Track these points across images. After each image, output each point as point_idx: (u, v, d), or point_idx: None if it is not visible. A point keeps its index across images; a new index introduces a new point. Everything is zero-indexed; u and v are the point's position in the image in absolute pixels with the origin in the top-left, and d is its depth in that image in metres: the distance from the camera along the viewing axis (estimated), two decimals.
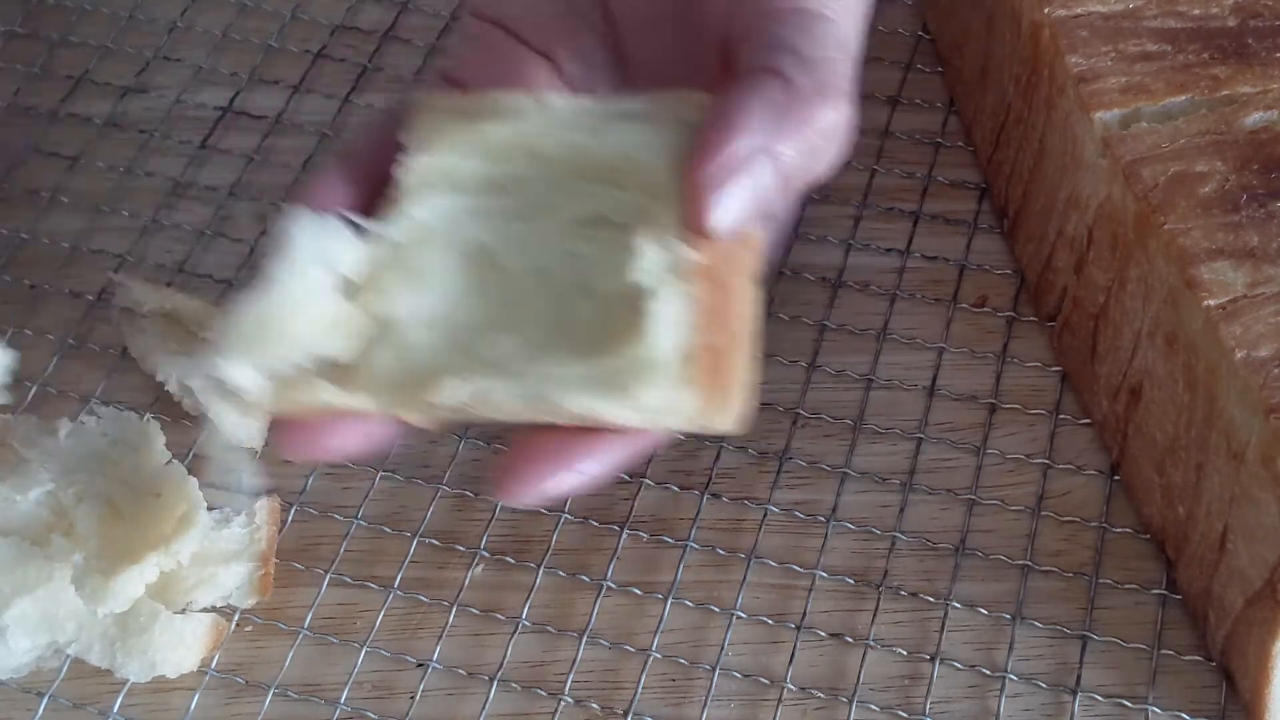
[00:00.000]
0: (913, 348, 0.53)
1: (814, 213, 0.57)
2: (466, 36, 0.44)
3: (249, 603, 0.47)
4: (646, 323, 0.34)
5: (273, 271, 0.35)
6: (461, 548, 0.48)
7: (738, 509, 0.49)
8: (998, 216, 0.56)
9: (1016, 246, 0.55)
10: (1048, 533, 0.48)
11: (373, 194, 0.39)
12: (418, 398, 0.35)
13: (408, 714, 0.45)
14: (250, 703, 0.45)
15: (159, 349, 0.52)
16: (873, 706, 0.45)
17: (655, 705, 0.45)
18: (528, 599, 0.47)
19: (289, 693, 0.45)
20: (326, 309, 0.35)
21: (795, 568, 0.47)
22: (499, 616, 0.47)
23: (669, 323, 0.35)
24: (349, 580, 0.48)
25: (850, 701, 0.45)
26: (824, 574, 0.47)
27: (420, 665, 0.46)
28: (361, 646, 0.46)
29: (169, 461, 0.46)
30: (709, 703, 0.45)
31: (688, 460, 0.50)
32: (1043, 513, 0.48)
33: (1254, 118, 0.46)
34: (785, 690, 0.45)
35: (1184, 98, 0.47)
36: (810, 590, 0.47)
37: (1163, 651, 0.45)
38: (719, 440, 0.50)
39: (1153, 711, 0.44)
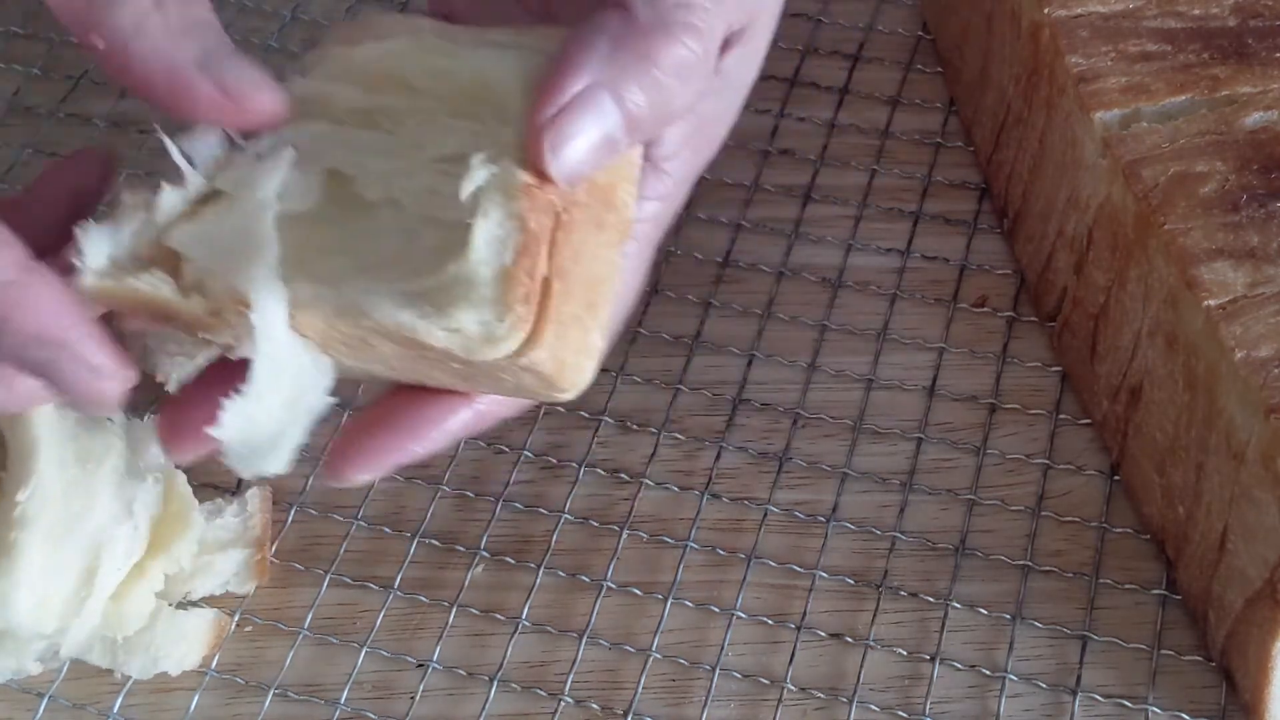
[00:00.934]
0: (913, 348, 0.53)
1: (814, 213, 0.57)
2: None
3: (247, 588, 0.47)
4: (468, 237, 0.34)
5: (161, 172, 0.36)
6: (462, 548, 0.48)
7: (738, 509, 0.49)
8: (998, 216, 0.56)
9: (1016, 246, 0.55)
10: (1048, 533, 0.48)
11: None
12: (233, 299, 0.34)
13: (408, 714, 0.45)
14: (250, 703, 0.45)
15: (159, 349, 0.52)
16: (873, 706, 0.45)
17: (655, 705, 0.45)
18: (528, 599, 0.47)
19: (289, 693, 0.45)
20: (180, 205, 0.36)
21: (795, 568, 0.47)
22: (499, 617, 0.47)
23: (487, 240, 0.34)
24: (349, 580, 0.48)
25: (850, 701, 0.45)
26: (824, 574, 0.47)
27: (420, 665, 0.46)
28: (362, 647, 0.46)
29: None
30: (709, 703, 0.45)
31: (688, 460, 0.50)
32: (1043, 513, 0.48)
33: (1254, 118, 0.46)
34: (785, 690, 0.45)
35: (1184, 98, 0.47)
36: (810, 590, 0.47)
37: (1163, 651, 0.45)
38: (719, 440, 0.50)
39: (1153, 711, 0.44)
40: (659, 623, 0.46)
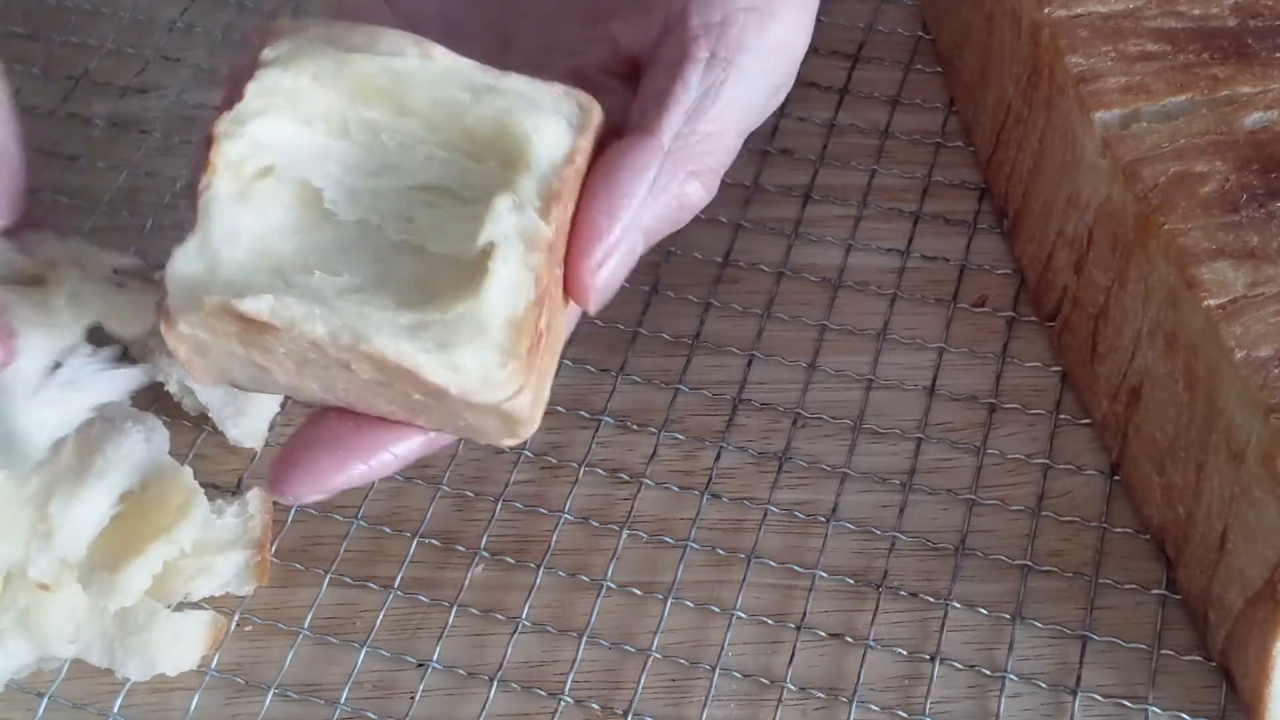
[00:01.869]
0: (913, 348, 0.53)
1: (814, 213, 0.57)
2: None
3: (247, 589, 0.47)
4: (486, 280, 0.34)
5: None
6: (461, 548, 0.48)
7: (738, 509, 0.49)
8: (998, 216, 0.56)
9: (1016, 246, 0.55)
10: (1048, 533, 0.48)
11: None
12: (222, 307, 0.33)
13: (408, 714, 0.45)
14: (250, 703, 0.45)
15: (159, 349, 0.52)
16: (873, 706, 0.45)
17: (655, 705, 0.45)
18: (528, 599, 0.47)
19: (289, 693, 0.45)
20: None
21: (795, 568, 0.47)
22: (499, 617, 0.47)
23: (507, 287, 0.34)
24: (349, 580, 0.48)
25: (850, 701, 0.45)
26: (824, 574, 0.47)
27: (420, 665, 0.46)
28: (361, 646, 0.46)
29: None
30: (709, 703, 0.45)
31: (688, 460, 0.50)
32: (1043, 513, 0.48)
33: (1254, 118, 0.46)
34: (785, 690, 0.45)
35: (1184, 98, 0.47)
36: (810, 590, 0.47)
37: (1163, 651, 0.45)
38: (719, 440, 0.50)
39: (1153, 711, 0.44)
40: (659, 623, 0.46)
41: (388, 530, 0.49)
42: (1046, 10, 0.49)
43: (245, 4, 0.66)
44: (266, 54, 0.37)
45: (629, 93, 0.41)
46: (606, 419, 0.51)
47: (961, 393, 0.52)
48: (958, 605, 0.47)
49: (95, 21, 0.66)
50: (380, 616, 0.47)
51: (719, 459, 0.50)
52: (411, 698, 0.45)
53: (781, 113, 0.60)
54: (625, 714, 0.45)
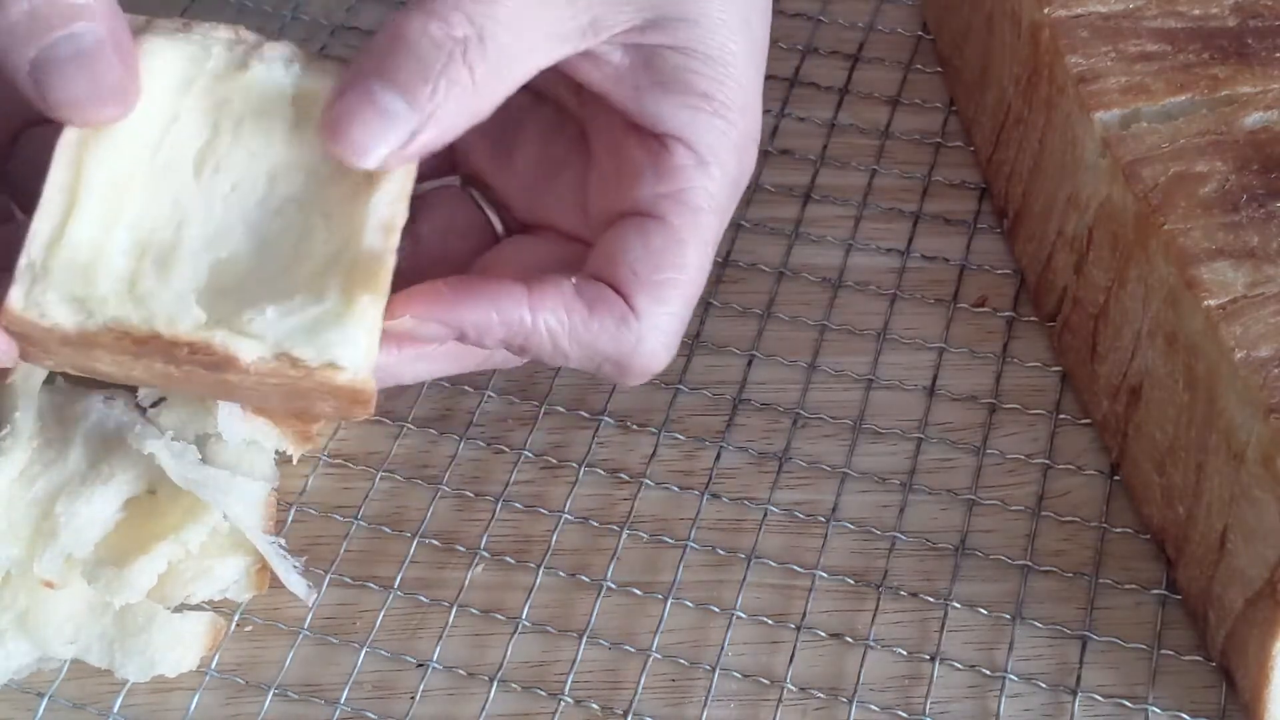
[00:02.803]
0: (913, 348, 0.53)
1: (814, 213, 0.57)
2: None
3: (246, 596, 0.47)
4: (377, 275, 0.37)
5: None
6: (462, 548, 0.48)
7: (738, 509, 0.49)
8: (998, 216, 0.56)
9: (1016, 246, 0.55)
10: (1048, 533, 0.48)
11: None
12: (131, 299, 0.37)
13: (408, 714, 0.45)
14: (250, 703, 0.45)
15: None
16: (873, 706, 0.45)
17: (655, 705, 0.45)
18: (528, 599, 0.47)
19: (289, 693, 0.45)
20: None
21: (795, 568, 0.47)
22: (499, 617, 0.47)
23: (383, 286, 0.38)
24: (349, 580, 0.48)
25: (850, 701, 0.45)
26: (824, 574, 0.47)
27: (420, 665, 0.46)
28: (362, 647, 0.46)
29: None
30: (709, 703, 0.45)
31: (688, 460, 0.50)
32: (1043, 513, 0.48)
33: (1254, 118, 0.46)
34: (785, 690, 0.45)
35: (1184, 98, 0.47)
36: (810, 590, 0.47)
37: (1163, 651, 0.45)
38: (719, 440, 0.50)
39: (1153, 711, 0.44)
40: (659, 623, 0.46)
41: (388, 530, 0.49)
42: (1046, 10, 0.49)
43: (245, 4, 0.66)
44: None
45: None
46: (606, 419, 0.51)
47: (961, 393, 0.52)
48: (958, 605, 0.47)
49: None
50: (380, 616, 0.47)
51: (719, 459, 0.50)
52: (412, 698, 0.45)
53: (781, 113, 0.60)
54: (625, 714, 0.45)
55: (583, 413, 0.51)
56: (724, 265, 0.55)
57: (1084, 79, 0.47)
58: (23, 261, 0.36)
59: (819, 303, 0.54)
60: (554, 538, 0.48)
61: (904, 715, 0.44)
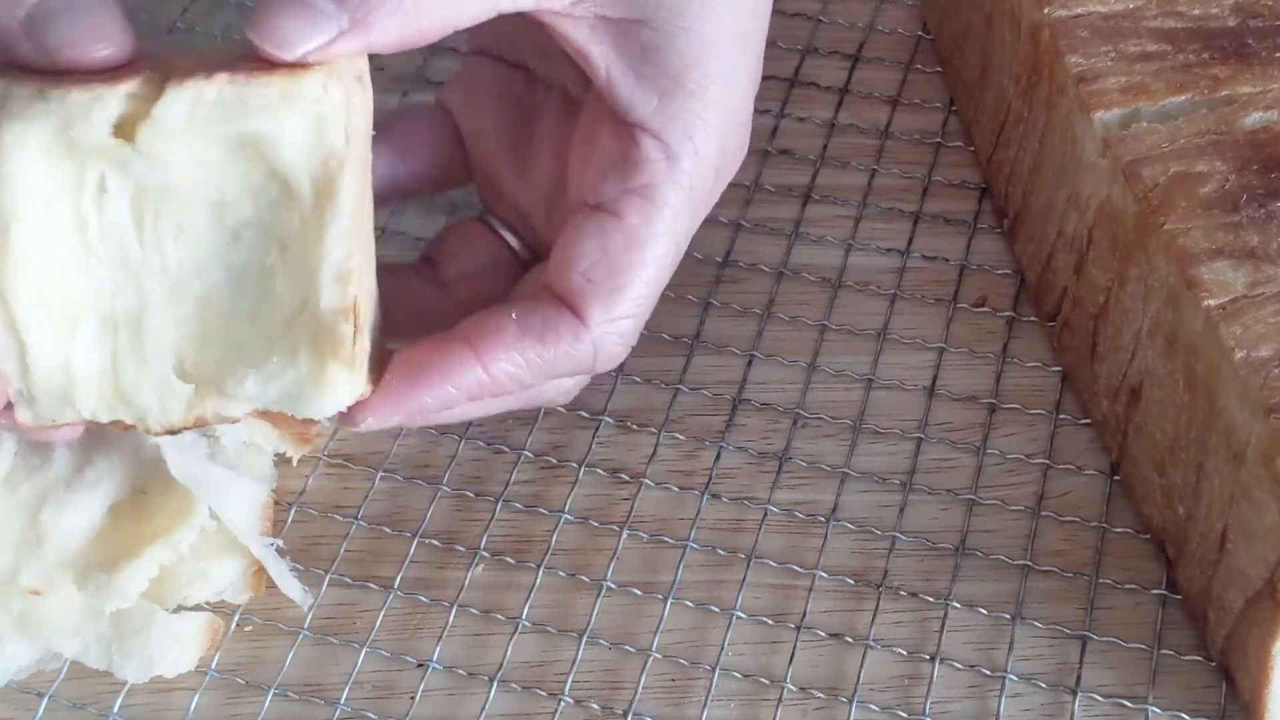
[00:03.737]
0: (913, 348, 0.53)
1: (814, 213, 0.57)
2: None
3: (243, 598, 0.47)
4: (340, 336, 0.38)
5: None
6: (462, 548, 0.48)
7: (738, 509, 0.49)
8: (998, 216, 0.56)
9: (1016, 246, 0.55)
10: (1048, 533, 0.48)
11: None
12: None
13: (408, 714, 0.45)
14: (250, 703, 0.45)
15: None
16: (873, 706, 0.45)
17: (655, 705, 0.45)
18: (528, 599, 0.47)
19: (289, 693, 0.45)
20: None
21: (795, 568, 0.47)
22: (499, 617, 0.47)
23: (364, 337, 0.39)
24: (349, 580, 0.48)
25: (850, 701, 0.45)
26: (824, 574, 0.47)
27: (420, 665, 0.46)
28: (362, 647, 0.46)
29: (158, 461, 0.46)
30: (709, 703, 0.45)
31: (688, 460, 0.50)
32: (1043, 513, 0.48)
33: (1254, 118, 0.46)
34: (785, 690, 0.45)
35: (1184, 98, 0.47)
36: (810, 590, 0.47)
37: (1163, 651, 0.45)
38: (719, 440, 0.50)
39: (1153, 711, 0.44)
40: (659, 623, 0.46)
41: (388, 530, 0.49)
42: (1046, 10, 0.49)
43: (245, 4, 0.66)
44: None
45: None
46: (606, 419, 0.51)
47: (961, 393, 0.52)
48: (958, 605, 0.47)
49: None
50: (380, 616, 0.47)
51: (719, 459, 0.50)
52: (412, 698, 0.45)
53: (781, 113, 0.60)
54: (625, 714, 0.45)
55: (583, 413, 0.51)
56: (724, 265, 0.55)
57: (1084, 79, 0.47)
58: (11, 389, 0.38)
59: (819, 303, 0.54)
60: (554, 538, 0.48)
61: (904, 715, 0.44)
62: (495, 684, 0.45)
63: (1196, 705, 0.44)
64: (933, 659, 0.45)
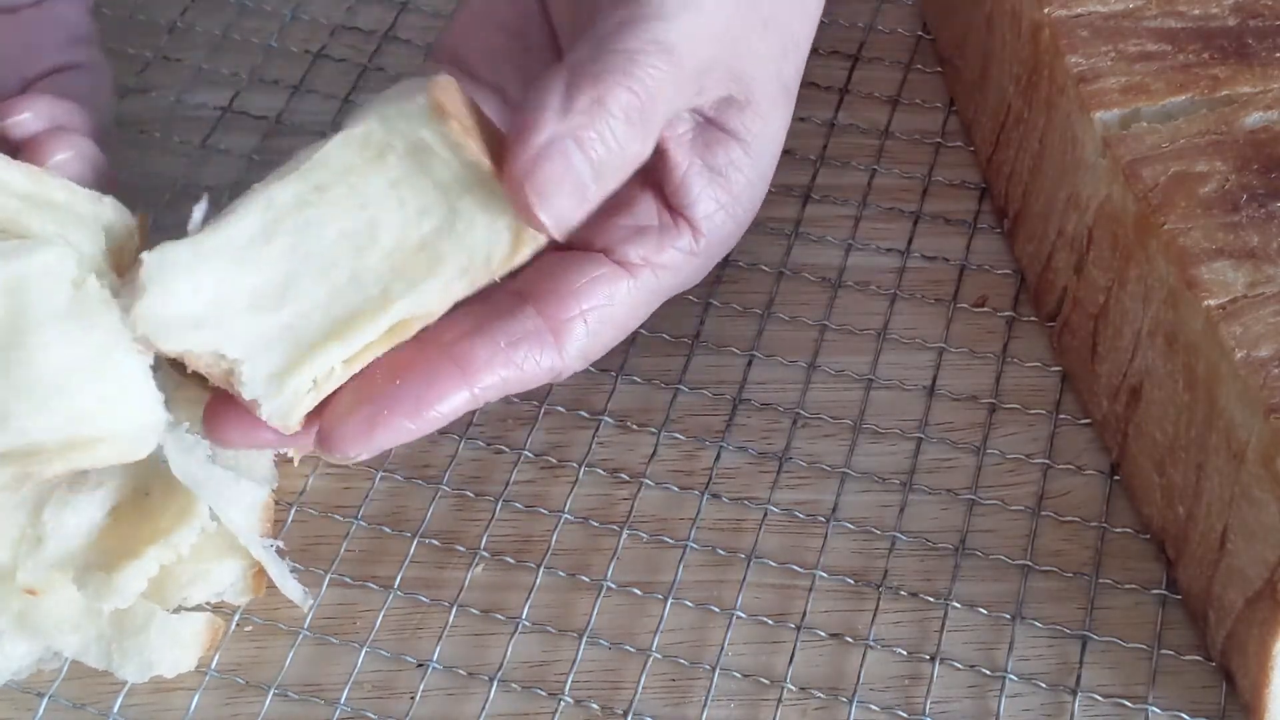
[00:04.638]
0: (913, 348, 0.53)
1: (814, 212, 0.57)
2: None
3: (243, 599, 0.47)
4: None
5: None
6: (462, 548, 0.48)
7: (738, 509, 0.49)
8: (998, 216, 0.56)
9: (1016, 246, 0.55)
10: (1048, 533, 0.48)
11: None
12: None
13: (408, 714, 0.45)
14: (250, 703, 0.45)
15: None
16: (873, 706, 0.45)
17: (655, 705, 0.45)
18: (528, 599, 0.47)
19: (289, 693, 0.45)
20: None
21: (795, 568, 0.47)
22: (499, 617, 0.47)
23: None
24: (349, 580, 0.48)
25: (850, 701, 0.45)
26: (824, 574, 0.47)
27: (420, 665, 0.46)
28: (362, 647, 0.46)
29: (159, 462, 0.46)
30: (709, 703, 0.45)
31: (688, 460, 0.50)
32: (1043, 513, 0.48)
33: (1254, 118, 0.46)
34: (785, 690, 0.45)
35: (1184, 98, 0.47)
36: (810, 590, 0.47)
37: (1163, 651, 0.45)
38: (719, 440, 0.50)
39: (1153, 711, 0.44)
40: (659, 623, 0.46)
41: (388, 530, 0.49)
42: (1046, 10, 0.49)
43: (245, 4, 0.66)
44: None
45: None
46: (606, 419, 0.51)
47: (961, 393, 0.52)
48: (958, 605, 0.47)
49: (95, 21, 0.65)
50: (380, 616, 0.47)
51: (719, 459, 0.50)
52: (412, 698, 0.45)
53: None
54: (625, 714, 0.45)
55: (583, 413, 0.51)
56: (724, 265, 0.55)
57: (1084, 79, 0.47)
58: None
59: (819, 303, 0.54)
60: (554, 538, 0.48)
61: (904, 715, 0.44)
62: (495, 684, 0.45)
63: (1196, 705, 0.44)
64: (933, 659, 0.45)
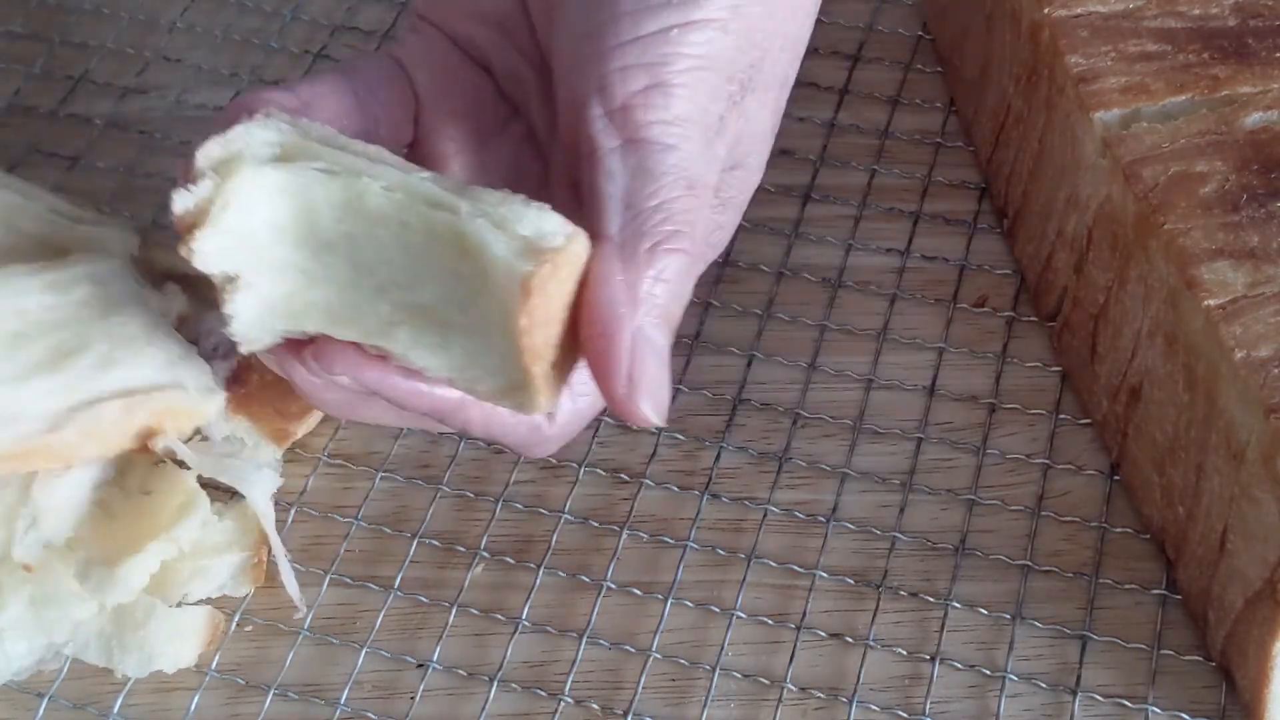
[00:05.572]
0: (913, 348, 0.53)
1: (814, 212, 0.57)
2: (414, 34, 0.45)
3: (242, 592, 0.47)
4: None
5: None
6: (462, 548, 0.48)
7: (738, 509, 0.49)
8: (998, 216, 0.56)
9: (1016, 246, 0.55)
10: (1048, 533, 0.48)
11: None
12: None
13: (408, 714, 0.45)
14: (250, 703, 0.45)
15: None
16: (873, 706, 0.45)
17: (655, 705, 0.45)
18: (528, 599, 0.47)
19: (289, 693, 0.46)
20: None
21: (795, 568, 0.47)
22: (499, 617, 0.47)
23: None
24: (350, 581, 0.48)
25: (850, 701, 0.45)
26: (824, 574, 0.47)
27: (421, 665, 0.46)
28: (362, 647, 0.46)
29: (159, 462, 0.46)
30: (709, 703, 0.45)
31: (688, 460, 0.50)
32: (1043, 513, 0.48)
33: (1254, 118, 0.46)
34: (785, 690, 0.45)
35: (1184, 98, 0.47)
36: (810, 590, 0.47)
37: (1163, 651, 0.45)
38: (719, 440, 0.50)
39: (1153, 711, 0.44)
40: (659, 623, 0.46)
41: (388, 530, 0.49)
42: (1046, 10, 0.49)
43: (245, 4, 0.66)
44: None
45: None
46: (607, 419, 0.51)
47: (961, 393, 0.52)
48: (958, 605, 0.47)
49: (95, 21, 0.66)
50: (381, 617, 0.47)
51: (719, 459, 0.50)
52: (412, 698, 0.45)
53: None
54: (625, 714, 0.45)
55: None
56: (724, 265, 0.55)
57: (1084, 79, 0.47)
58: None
59: (819, 303, 0.54)
60: (554, 538, 0.48)
61: (904, 715, 0.44)
62: (495, 684, 0.45)
63: (1196, 705, 0.44)
64: (933, 659, 0.45)
